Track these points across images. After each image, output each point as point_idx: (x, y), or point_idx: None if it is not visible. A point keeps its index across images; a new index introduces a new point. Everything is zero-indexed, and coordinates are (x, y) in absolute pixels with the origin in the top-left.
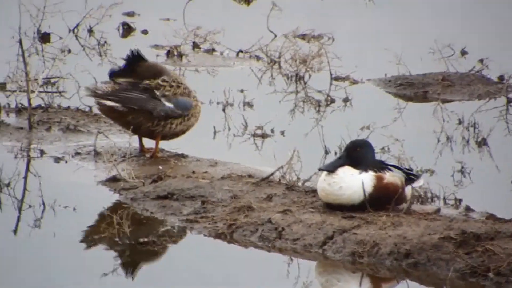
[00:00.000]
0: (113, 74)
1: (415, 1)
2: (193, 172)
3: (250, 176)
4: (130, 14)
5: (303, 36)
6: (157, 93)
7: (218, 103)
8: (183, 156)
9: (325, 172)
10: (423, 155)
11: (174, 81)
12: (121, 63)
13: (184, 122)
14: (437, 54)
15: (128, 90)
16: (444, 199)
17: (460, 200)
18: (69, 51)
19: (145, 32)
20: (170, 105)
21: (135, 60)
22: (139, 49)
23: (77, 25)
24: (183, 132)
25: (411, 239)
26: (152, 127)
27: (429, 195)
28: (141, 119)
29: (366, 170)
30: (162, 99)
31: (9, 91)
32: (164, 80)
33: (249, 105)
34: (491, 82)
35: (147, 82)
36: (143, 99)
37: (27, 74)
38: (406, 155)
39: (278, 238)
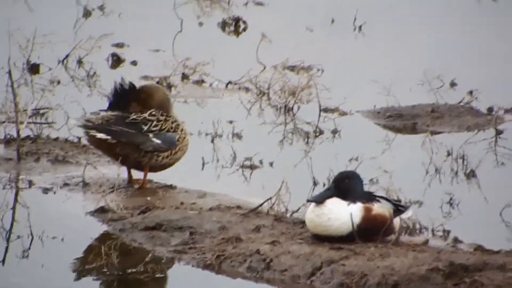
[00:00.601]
0: (110, 106)
1: (405, 33)
2: (182, 203)
3: (238, 207)
4: (120, 45)
5: (292, 68)
6: (144, 128)
7: (207, 134)
8: (171, 187)
9: (313, 203)
10: (412, 186)
11: (162, 115)
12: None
13: (171, 156)
14: (426, 85)
15: (116, 124)
16: (433, 230)
17: (449, 232)
18: (59, 82)
19: (134, 63)
20: (158, 141)
21: (123, 93)
22: (123, 79)
23: (67, 56)
24: (170, 165)
25: (399, 270)
26: (139, 158)
27: (417, 226)
28: (129, 151)
29: (354, 202)
30: (150, 135)
31: None
32: (151, 114)
33: (238, 136)
34: (480, 114)
35: (134, 116)
36: (131, 133)
37: (16, 105)
38: (395, 187)
39: (266, 269)
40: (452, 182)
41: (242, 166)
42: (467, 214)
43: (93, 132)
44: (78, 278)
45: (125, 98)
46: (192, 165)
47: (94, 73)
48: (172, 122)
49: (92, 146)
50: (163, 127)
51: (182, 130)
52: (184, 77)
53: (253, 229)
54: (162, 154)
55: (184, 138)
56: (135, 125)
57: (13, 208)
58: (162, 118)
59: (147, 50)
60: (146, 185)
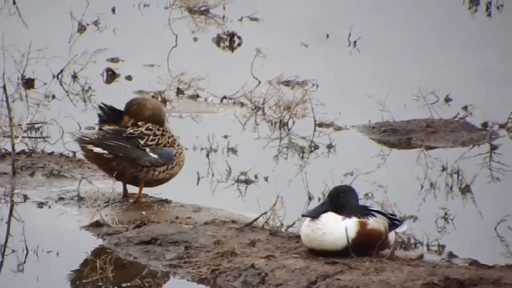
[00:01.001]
0: (100, 122)
1: (399, 48)
2: (177, 218)
3: (233, 221)
4: (114, 60)
5: (287, 83)
6: (141, 142)
7: (202, 149)
8: (166, 201)
9: (308, 218)
10: (407, 201)
11: (159, 130)
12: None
13: (167, 171)
14: (421, 101)
15: (113, 138)
16: (428, 245)
17: (444, 246)
18: (53, 96)
19: (129, 78)
20: (155, 156)
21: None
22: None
23: (61, 71)
24: (166, 180)
25: (394, 285)
26: (135, 173)
27: (412, 241)
28: (125, 165)
29: (349, 216)
30: (147, 149)
31: None
32: (148, 129)
33: (233, 151)
34: (474, 129)
35: (130, 130)
36: (128, 148)
37: (10, 119)
38: (390, 201)
39: (261, 283)
40: (447, 197)
41: (237, 181)
42: (462, 229)
43: (89, 147)
44: None
45: (114, 114)
46: (187, 180)
47: (89, 87)
48: (169, 137)
49: (88, 161)
50: (160, 142)
51: (178, 145)
52: (179, 92)
53: (248, 244)
54: (159, 169)
55: (181, 153)
56: (132, 140)
57: (8, 222)
58: (158, 132)
59: (142, 65)
60: (141, 200)
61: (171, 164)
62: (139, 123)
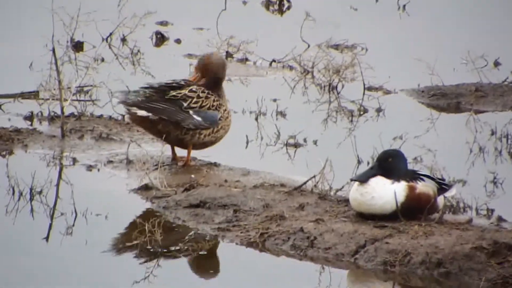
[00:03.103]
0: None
1: (449, 12)
2: (226, 181)
3: (282, 185)
4: (164, 23)
5: (336, 46)
6: (184, 104)
7: (250, 112)
8: (215, 164)
9: (357, 182)
10: (456, 165)
11: (203, 92)
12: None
13: (213, 134)
14: (470, 64)
15: (157, 101)
16: (476, 209)
17: (492, 211)
18: (102, 59)
19: (178, 41)
20: (199, 118)
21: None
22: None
23: (110, 34)
24: (212, 143)
25: (443, 249)
26: (181, 135)
27: (461, 205)
28: (171, 128)
29: (398, 180)
30: (190, 112)
31: (42, 99)
32: (192, 91)
33: (282, 114)
34: None
35: (173, 93)
36: (172, 110)
37: (60, 82)
38: (439, 165)
39: (310, 247)
40: (496, 161)
41: (286, 145)
42: (511, 193)
43: (133, 110)
44: (121, 254)
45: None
46: (236, 143)
47: (138, 51)
48: (214, 101)
49: (133, 123)
50: (204, 104)
51: (225, 109)
52: (228, 55)
53: (297, 207)
54: (204, 132)
55: (227, 118)
56: (175, 102)
57: (57, 185)
58: (202, 95)
59: (191, 28)
60: (190, 163)
61: (216, 127)
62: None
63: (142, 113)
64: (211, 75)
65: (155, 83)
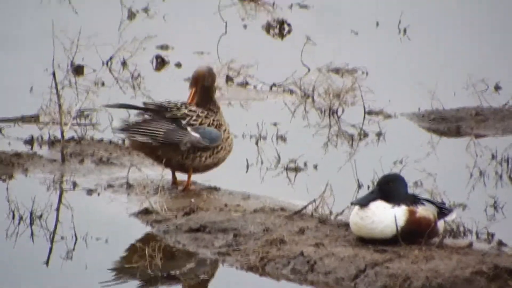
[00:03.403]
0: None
1: (449, 36)
2: (226, 205)
3: (282, 209)
4: (164, 47)
5: (336, 70)
6: (183, 122)
7: (251, 136)
8: (215, 189)
9: (357, 206)
10: (456, 189)
11: (202, 112)
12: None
13: (214, 155)
14: (470, 88)
15: (154, 121)
16: (477, 233)
17: (493, 235)
18: (103, 83)
19: (178, 65)
20: (197, 135)
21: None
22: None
23: (111, 58)
24: (214, 164)
25: (443, 273)
26: (181, 160)
27: (461, 229)
28: (171, 153)
29: (398, 204)
30: (188, 128)
31: (43, 123)
32: (191, 110)
33: (282, 138)
34: None
35: (173, 112)
36: (169, 130)
37: (60, 106)
38: (439, 190)
39: (310, 271)
40: (497, 185)
41: (287, 169)
42: (511, 217)
43: (132, 135)
44: (121, 279)
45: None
46: (237, 167)
47: (138, 75)
48: (213, 120)
49: (133, 150)
50: (203, 122)
51: (225, 130)
52: (229, 79)
53: (297, 231)
54: (205, 154)
55: (228, 138)
56: (175, 121)
57: (57, 209)
58: (202, 114)
59: (191, 52)
60: (190, 187)
61: (216, 148)
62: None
63: (143, 139)
64: (200, 86)
65: (156, 102)
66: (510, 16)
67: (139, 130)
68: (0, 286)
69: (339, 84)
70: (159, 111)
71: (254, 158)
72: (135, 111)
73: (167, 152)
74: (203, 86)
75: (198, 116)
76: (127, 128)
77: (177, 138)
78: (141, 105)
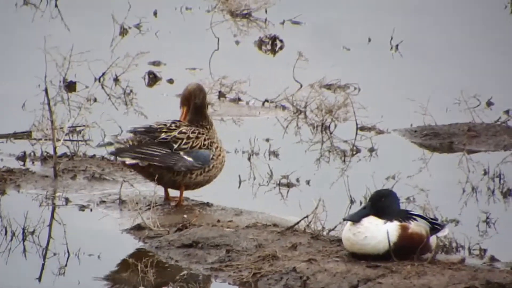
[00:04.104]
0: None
1: (441, 52)
2: (218, 221)
3: (275, 225)
4: (156, 63)
5: (329, 86)
6: (175, 146)
7: (243, 152)
8: (208, 204)
9: (350, 222)
10: (448, 205)
11: (193, 132)
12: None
13: (205, 173)
14: (462, 104)
15: (146, 145)
16: (469, 249)
17: (485, 250)
18: (95, 99)
19: (171, 81)
20: (190, 159)
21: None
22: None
23: (103, 74)
24: (206, 182)
25: None
26: (173, 177)
27: (454, 245)
28: (162, 171)
29: (391, 220)
30: (181, 153)
31: (35, 139)
32: (181, 132)
33: (275, 154)
34: None
35: (163, 136)
36: (162, 155)
37: (52, 122)
38: (431, 205)
39: (302, 287)
40: (489, 201)
41: (279, 184)
42: (504, 233)
43: (123, 158)
44: None
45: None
46: (229, 183)
47: (131, 91)
48: (205, 139)
49: (125, 167)
50: (194, 145)
51: (217, 147)
52: (221, 95)
53: (290, 247)
54: (196, 172)
55: (219, 155)
56: (166, 144)
57: (50, 225)
58: (193, 136)
59: (183, 68)
60: (182, 203)
61: (208, 167)
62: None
63: (132, 162)
64: (191, 103)
65: (145, 125)
66: (502, 32)
67: (131, 154)
68: None
69: (332, 100)
70: (150, 134)
71: (246, 174)
72: (127, 128)
73: (158, 169)
74: (195, 104)
75: (188, 138)
76: (120, 152)
77: (171, 162)
78: (130, 130)
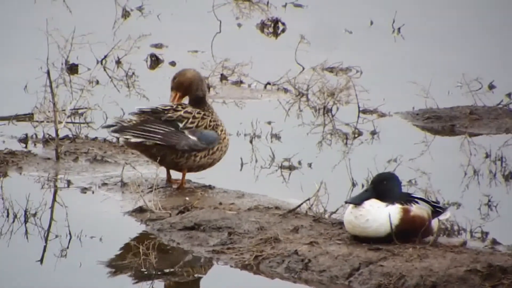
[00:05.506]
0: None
1: (444, 35)
2: (220, 204)
3: (277, 207)
4: (158, 46)
5: (331, 69)
6: (180, 125)
7: (245, 135)
8: (210, 187)
9: (351, 205)
10: (450, 188)
11: (199, 113)
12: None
13: (209, 156)
14: (464, 88)
15: (151, 123)
16: (471, 232)
17: (487, 233)
18: (97, 82)
19: (173, 63)
20: (194, 138)
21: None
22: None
23: (105, 57)
24: (209, 164)
25: (437, 272)
26: (176, 159)
27: (455, 228)
28: (166, 152)
29: (392, 203)
30: (185, 131)
31: (37, 121)
32: (187, 112)
33: (277, 137)
34: None
35: (169, 114)
36: (166, 133)
37: (54, 104)
38: (433, 188)
39: (304, 269)
40: (491, 184)
41: (281, 167)
42: (506, 216)
43: (127, 136)
44: (115, 277)
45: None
46: (231, 166)
47: (133, 73)
48: (210, 121)
49: (128, 148)
50: (200, 124)
51: (222, 130)
52: (223, 78)
53: (292, 230)
54: (200, 154)
55: (224, 138)
56: (171, 123)
57: (51, 208)
58: (198, 116)
59: (186, 51)
60: (184, 185)
61: (212, 149)
62: (179, 106)
63: (135, 140)
64: (193, 94)
65: (151, 106)
66: (504, 15)
67: (134, 132)
68: None
69: (334, 83)
70: (154, 114)
71: (248, 156)
72: (130, 110)
73: (161, 150)
74: (197, 96)
75: (194, 117)
76: (122, 129)
77: (175, 140)
78: (135, 111)
